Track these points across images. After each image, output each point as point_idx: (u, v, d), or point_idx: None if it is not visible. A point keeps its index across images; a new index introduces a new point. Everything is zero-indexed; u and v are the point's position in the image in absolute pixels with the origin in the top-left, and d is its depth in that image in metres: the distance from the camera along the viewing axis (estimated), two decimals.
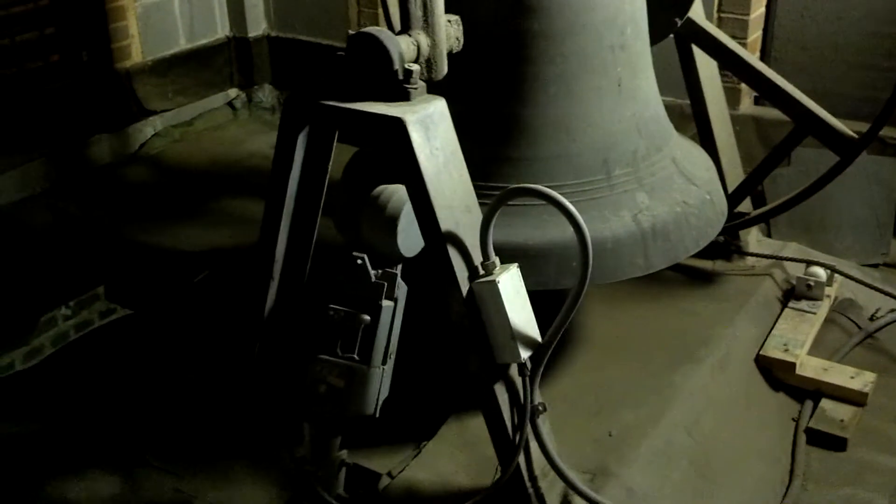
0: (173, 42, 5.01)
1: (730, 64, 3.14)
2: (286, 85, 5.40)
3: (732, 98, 3.83)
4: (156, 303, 3.69)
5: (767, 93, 3.13)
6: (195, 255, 3.92)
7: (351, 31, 2.23)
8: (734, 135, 3.40)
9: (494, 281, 2.08)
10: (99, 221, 4.25)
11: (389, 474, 2.51)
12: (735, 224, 3.25)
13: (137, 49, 4.81)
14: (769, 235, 3.81)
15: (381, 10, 3.75)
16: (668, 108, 2.88)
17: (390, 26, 3.51)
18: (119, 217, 4.28)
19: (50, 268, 3.99)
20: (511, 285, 2.12)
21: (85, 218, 4.28)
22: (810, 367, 2.94)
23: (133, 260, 4.04)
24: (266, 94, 5.45)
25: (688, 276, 3.28)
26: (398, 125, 2.09)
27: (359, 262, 2.12)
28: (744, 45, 3.94)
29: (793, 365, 2.92)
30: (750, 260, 3.38)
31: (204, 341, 3.15)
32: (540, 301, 2.24)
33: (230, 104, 5.39)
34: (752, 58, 3.20)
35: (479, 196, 2.26)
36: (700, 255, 2.89)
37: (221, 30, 5.28)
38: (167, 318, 3.48)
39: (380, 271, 2.15)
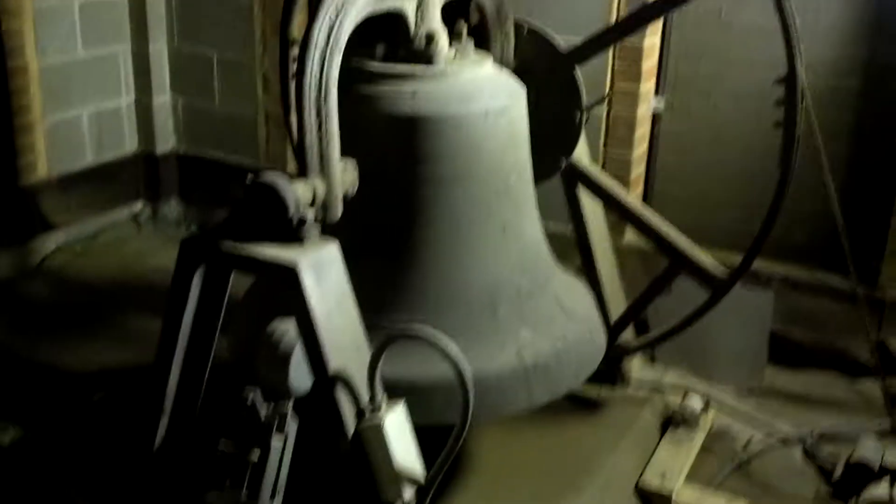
0: (80, 157, 5.05)
1: (609, 204, 3.36)
2: (193, 199, 5.47)
3: (617, 230, 4.04)
4: (50, 423, 3.65)
5: (644, 232, 3.34)
6: (95, 374, 3.90)
7: (250, 176, 2.35)
8: (618, 265, 3.60)
9: (379, 425, 2.17)
10: None
11: None
12: (617, 354, 3.42)
13: (44, 165, 4.83)
14: (654, 360, 3.99)
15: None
16: (556, 236, 3.05)
17: (294, 149, 3.66)
18: (16, 333, 4.24)
19: None
20: (397, 425, 2.22)
21: None
22: (686, 495, 3.08)
23: (28, 378, 3.99)
24: (172, 207, 5.48)
25: (575, 404, 3.41)
26: (290, 270, 2.20)
27: (248, 402, 2.19)
28: (627, 182, 4.17)
29: (668, 498, 3.06)
30: (633, 387, 3.55)
31: (98, 464, 3.14)
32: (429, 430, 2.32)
33: (135, 218, 5.42)
34: (630, 199, 3.41)
35: (372, 328, 2.36)
36: (586, 381, 3.04)
37: (129, 145, 5.34)
38: (62, 438, 3.45)
39: (271, 405, 2.23)
